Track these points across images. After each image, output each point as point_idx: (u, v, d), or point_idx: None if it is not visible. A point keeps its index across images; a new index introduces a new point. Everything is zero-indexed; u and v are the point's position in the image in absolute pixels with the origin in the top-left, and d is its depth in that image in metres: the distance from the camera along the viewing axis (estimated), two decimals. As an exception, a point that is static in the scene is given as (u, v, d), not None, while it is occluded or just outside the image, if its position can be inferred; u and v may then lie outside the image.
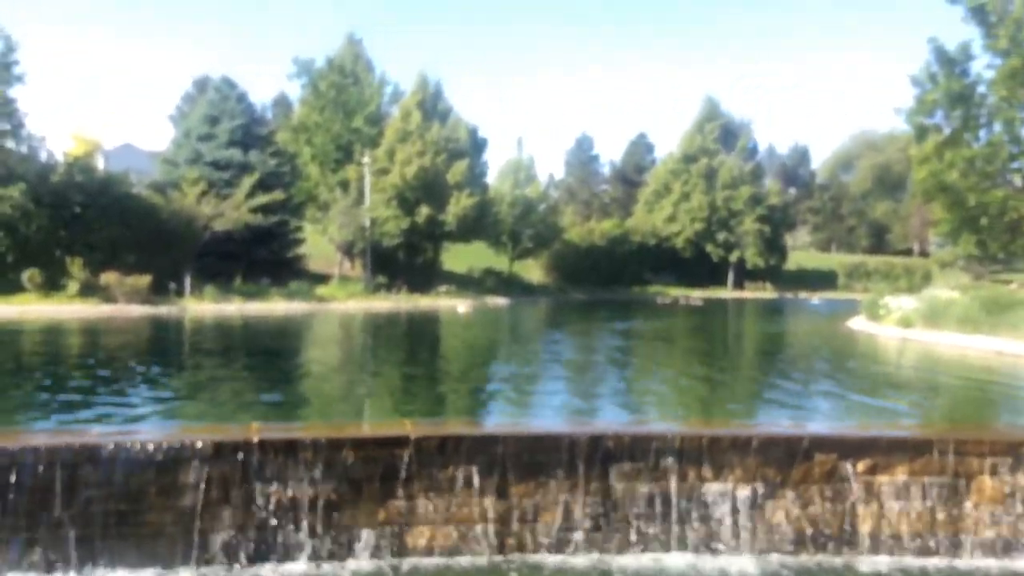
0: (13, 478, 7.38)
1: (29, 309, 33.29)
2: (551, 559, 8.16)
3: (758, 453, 8.49)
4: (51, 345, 21.86)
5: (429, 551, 8.10)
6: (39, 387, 13.50)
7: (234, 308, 37.87)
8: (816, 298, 70.82)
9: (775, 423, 10.69)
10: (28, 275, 36.05)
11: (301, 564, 7.82)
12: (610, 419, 11.11)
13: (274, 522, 7.87)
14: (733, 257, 79.40)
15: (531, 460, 8.31)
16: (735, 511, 8.40)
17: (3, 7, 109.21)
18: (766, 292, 78.29)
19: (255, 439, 7.96)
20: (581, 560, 8.18)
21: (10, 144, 41.48)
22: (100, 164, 51.81)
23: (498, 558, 8.13)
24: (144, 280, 36.97)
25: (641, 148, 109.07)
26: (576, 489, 8.31)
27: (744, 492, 8.43)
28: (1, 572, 7.30)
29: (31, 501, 7.43)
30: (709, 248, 79.72)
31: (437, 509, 8.18)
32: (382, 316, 37.00)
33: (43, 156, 43.12)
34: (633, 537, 8.36)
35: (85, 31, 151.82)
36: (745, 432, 8.81)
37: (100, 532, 7.55)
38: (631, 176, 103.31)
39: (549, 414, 11.32)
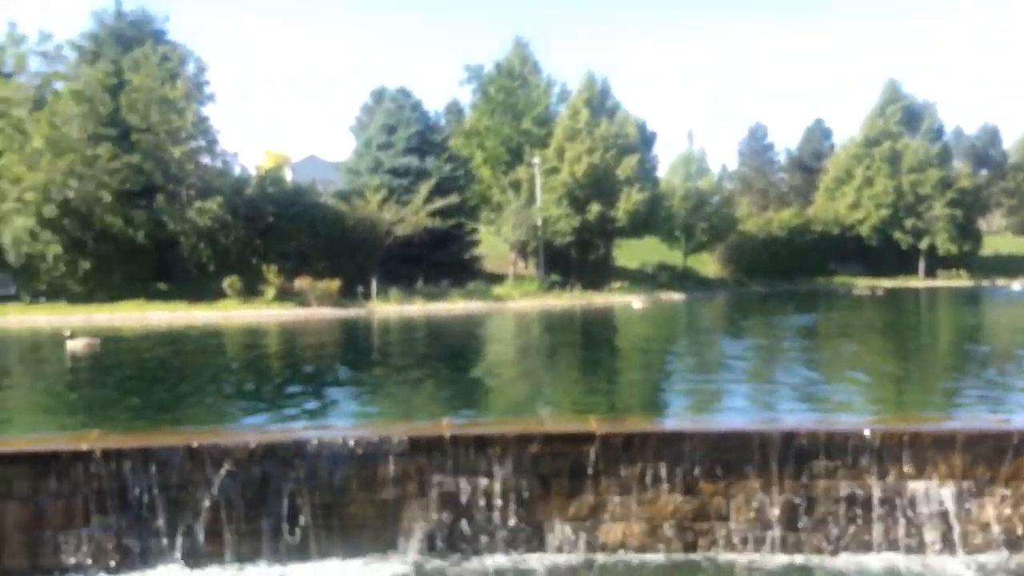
0: (225, 471, 7.91)
1: (231, 314, 35.62)
2: (743, 558, 8.04)
3: (964, 450, 8.05)
4: (254, 347, 23.32)
5: (620, 546, 8.15)
6: (247, 385, 14.42)
7: (417, 308, 39.20)
8: (1017, 284, 65.91)
9: (979, 418, 10.07)
10: (228, 282, 38.59)
11: (495, 557, 8.04)
12: (801, 416, 10.77)
13: (467, 515, 8.11)
14: (923, 244, 74.98)
15: (720, 458, 8.21)
16: (941, 510, 8.00)
17: (189, 30, 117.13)
18: (960, 280, 73.48)
19: (447, 435, 8.24)
20: (776, 560, 8.01)
21: (206, 160, 44.51)
22: (288, 176, 54.77)
23: (689, 555, 8.08)
24: (334, 284, 38.89)
25: (818, 134, 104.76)
26: (769, 487, 8.15)
27: (949, 490, 8.02)
28: (217, 560, 7.83)
29: (243, 494, 7.95)
30: (896, 235, 75.60)
31: (626, 505, 8.22)
32: (557, 314, 37.30)
33: (237, 170, 46.09)
34: (832, 537, 8.11)
35: (266, 50, 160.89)
36: (948, 428, 8.38)
37: (308, 524, 8.00)
38: (809, 163, 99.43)
39: (735, 411, 11.11)
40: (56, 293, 38.53)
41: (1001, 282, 70.75)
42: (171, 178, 41.48)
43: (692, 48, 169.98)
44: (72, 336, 20.89)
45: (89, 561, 7.67)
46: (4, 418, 11.65)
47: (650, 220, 56.60)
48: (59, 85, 45.58)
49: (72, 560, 7.65)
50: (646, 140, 63.06)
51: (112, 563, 7.70)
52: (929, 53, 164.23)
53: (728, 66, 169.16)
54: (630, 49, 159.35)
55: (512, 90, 63.44)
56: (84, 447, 7.79)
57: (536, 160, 54.75)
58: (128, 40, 45.66)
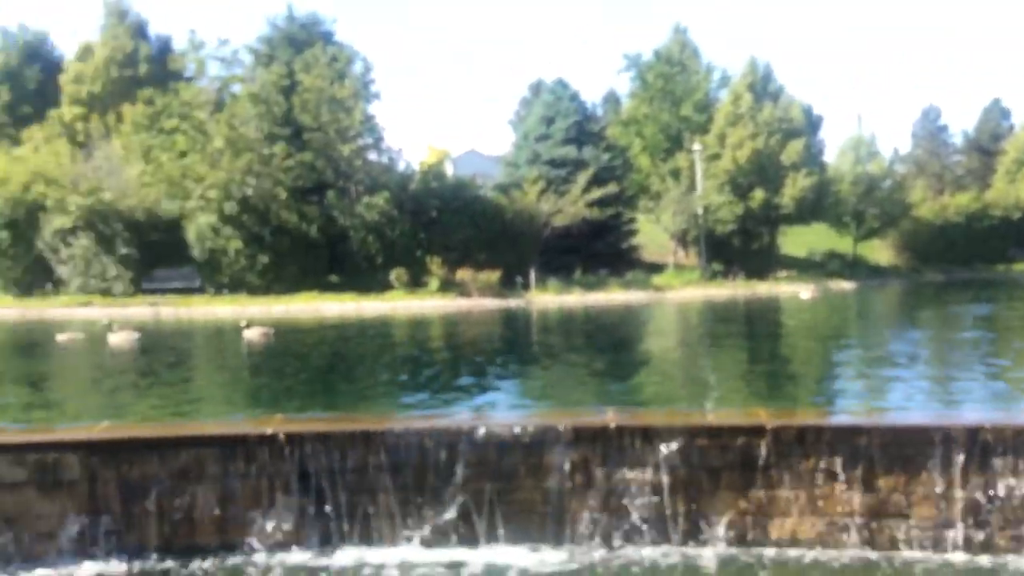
0: (399, 457, 8.18)
1: (397, 305, 36.88)
2: (925, 556, 7.68)
3: None
4: (419, 337, 24.07)
5: (792, 542, 7.95)
6: (413, 374, 14.90)
7: (575, 299, 39.36)
8: None
9: None
10: (395, 274, 39.97)
11: (661, 549, 7.97)
12: (984, 410, 10.16)
13: (633, 506, 8.09)
14: (1116, 230, 68.88)
15: (900, 453, 7.87)
16: None
17: (353, 28, 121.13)
18: None
19: (612, 425, 8.25)
20: (960, 559, 7.63)
21: (373, 156, 46.17)
22: (449, 170, 56.01)
23: (865, 553, 7.80)
24: (494, 275, 39.60)
25: (996, 114, 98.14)
26: (952, 484, 7.75)
27: None
28: (391, 543, 8.11)
29: (415, 479, 8.19)
30: (1086, 220, 69.76)
31: (799, 500, 8.00)
32: (719, 304, 36.58)
33: (401, 166, 47.59)
34: (1019, 537, 7.63)
35: (426, 45, 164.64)
36: None
37: (478, 509, 8.18)
38: (986, 145, 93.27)
39: (912, 405, 10.60)
40: (237, 285, 40.89)
41: None
42: (341, 175, 43.20)
43: (861, 28, 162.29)
44: (248, 326, 22.12)
45: (274, 540, 8.07)
46: (193, 400, 12.50)
47: (817, 206, 54.66)
48: (236, 88, 48.42)
49: (258, 539, 8.08)
50: (812, 124, 60.93)
51: (294, 543, 8.10)
52: None
53: (899, 46, 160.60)
54: (795, 30, 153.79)
55: (671, 77, 62.55)
56: (269, 431, 8.24)
57: (697, 147, 53.78)
58: (299, 42, 47.88)
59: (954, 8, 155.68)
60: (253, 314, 30.97)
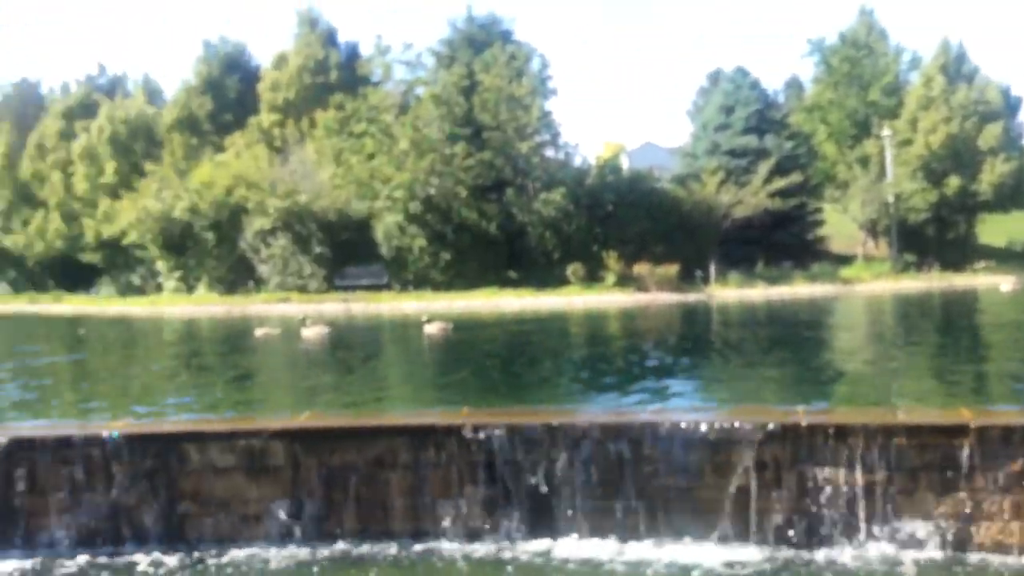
0: (584, 452, 8.24)
1: (574, 299, 37.12)
2: None
3: None
4: (595, 331, 24.19)
5: (996, 548, 7.51)
6: (598, 367, 15.02)
7: (757, 293, 38.38)
8: None
9: None
10: (571, 269, 40.24)
11: (853, 551, 7.71)
12: None
13: (826, 507, 7.86)
14: None
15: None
16: None
17: (529, 24, 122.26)
18: None
19: (803, 423, 8.04)
20: None
21: (549, 153, 46.61)
22: (625, 164, 55.79)
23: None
24: (672, 269, 39.14)
25: None
26: None
27: None
28: (570, 535, 8.18)
29: (598, 473, 8.23)
30: None
31: (1004, 503, 7.54)
32: (912, 297, 34.76)
33: (577, 161, 47.78)
34: None
35: (603, 39, 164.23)
36: None
37: (663, 506, 8.15)
38: None
39: None
40: (421, 282, 42.38)
41: None
42: (519, 172, 43.90)
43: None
44: (429, 321, 22.91)
45: (462, 528, 8.32)
46: (378, 390, 13.11)
47: (1018, 192, 50.94)
48: (420, 90, 50.03)
49: (447, 526, 8.33)
50: (1011, 106, 56.85)
51: (480, 532, 8.31)
52: None
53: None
54: (990, 8, 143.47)
55: (857, 60, 59.86)
56: (457, 422, 8.53)
57: (886, 132, 51.18)
58: (479, 43, 48.94)
59: None
60: (436, 309, 32.03)
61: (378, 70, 54.77)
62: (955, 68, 54.53)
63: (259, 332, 24.18)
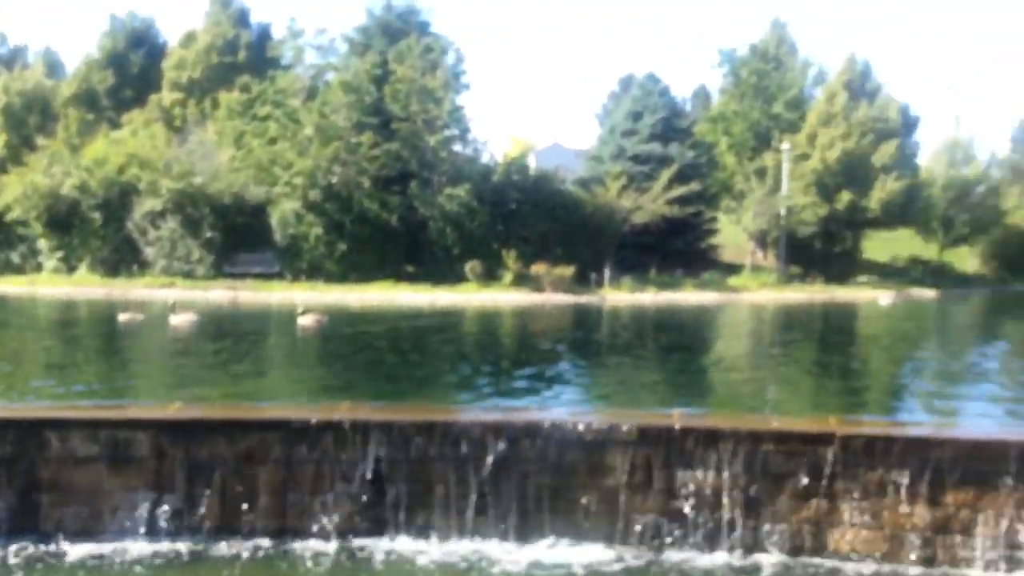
0: (464, 449, 8.22)
1: (471, 297, 37.05)
2: (990, 576, 7.45)
3: None
4: (491, 329, 24.19)
5: (850, 554, 7.79)
6: (482, 366, 15.00)
7: (649, 297, 39.03)
8: None
9: None
10: (470, 266, 40.14)
11: (717, 555, 7.89)
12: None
13: (692, 510, 8.01)
14: None
15: (971, 468, 7.64)
16: None
17: (444, 18, 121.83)
18: None
19: (677, 426, 8.18)
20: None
21: (458, 147, 46.40)
22: (532, 163, 56.07)
23: (927, 570, 7.60)
24: (569, 271, 39.46)
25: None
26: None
27: None
28: (447, 535, 8.15)
29: (476, 472, 8.20)
30: None
31: (862, 512, 7.83)
32: (795, 307, 35.92)
33: (485, 158, 47.72)
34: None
35: (514, 37, 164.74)
36: None
37: (535, 505, 8.19)
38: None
39: (983, 419, 10.29)
40: (315, 272, 41.63)
41: None
42: (425, 165, 43.55)
43: (966, 25, 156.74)
44: (303, 313, 22.53)
45: (330, 526, 8.17)
46: (231, 382, 12.77)
47: (906, 210, 53.02)
48: (330, 76, 49.21)
49: (315, 524, 8.18)
50: (908, 125, 59.10)
51: (351, 530, 8.19)
52: None
53: (1007, 45, 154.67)
54: (896, 26, 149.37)
55: (765, 73, 61.42)
56: (336, 417, 8.38)
57: (785, 145, 52.73)
58: (395, 32, 48.36)
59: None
60: (328, 301, 31.53)
61: (289, 53, 53.69)
62: (859, 84, 56.29)
63: (123, 317, 22.87)
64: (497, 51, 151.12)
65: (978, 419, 10.31)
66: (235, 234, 42.51)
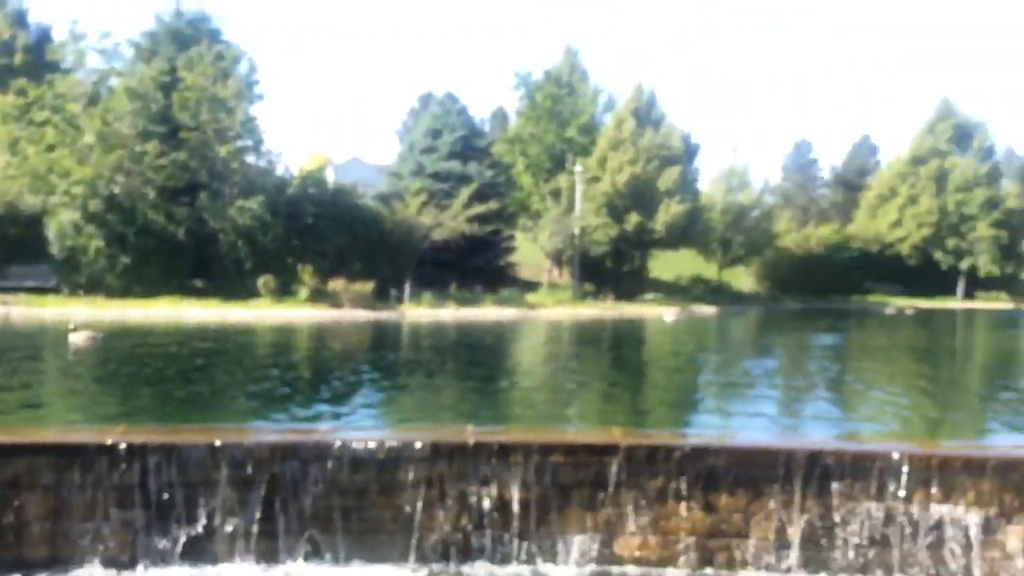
0: (249, 471, 7.94)
1: (265, 313, 35.88)
2: (761, 576, 7.95)
3: (995, 475, 7.89)
4: (284, 347, 23.50)
5: (636, 561, 8.09)
6: (271, 385, 14.52)
7: (449, 314, 39.25)
8: (1060, 308, 64.51)
9: (1013, 443, 9.87)
10: (263, 281, 38.85)
11: (510, 567, 8.01)
12: (827, 435, 10.66)
13: (487, 523, 8.09)
14: (964, 265, 73.67)
15: (744, 474, 8.13)
16: (966, 537, 7.85)
17: (242, 29, 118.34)
18: (1000, 302, 72.25)
19: (470, 441, 8.23)
20: (795, 579, 7.91)
21: (251, 159, 44.90)
22: (330, 177, 55.19)
23: (705, 572, 8.01)
24: (368, 287, 39.00)
25: (864, 151, 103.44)
26: (791, 506, 8.04)
27: (976, 517, 7.86)
28: (232, 560, 7.85)
29: (264, 494, 7.95)
30: (937, 255, 74.37)
31: (644, 519, 8.15)
32: (588, 323, 37.22)
33: (280, 170, 46.41)
34: (852, 558, 7.99)
35: (316, 51, 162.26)
36: (980, 453, 8.23)
37: (325, 527, 8.02)
38: (853, 180, 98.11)
39: (756, 427, 11.00)
40: (95, 287, 39.02)
41: (1044, 305, 69.32)
42: (216, 176, 41.86)
43: (741, 61, 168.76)
44: (75, 329, 21.15)
45: (105, 556, 7.71)
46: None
47: (688, 232, 56.27)
48: (114, 82, 46.41)
49: (89, 554, 7.70)
50: (689, 152, 62.74)
51: (127, 558, 7.74)
52: (985, 72, 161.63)
53: (777, 80, 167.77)
54: (680, 60, 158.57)
55: (559, 98, 63.61)
56: (109, 441, 7.86)
57: (578, 168, 54.70)
58: (185, 39, 46.36)
59: (831, 47, 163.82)
60: (108, 317, 29.70)
61: (70, 57, 50.19)
62: (646, 112, 59.17)
63: None
64: (296, 64, 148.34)
65: (751, 428, 10.97)
66: (7, 245, 39.16)
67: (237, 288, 38.99)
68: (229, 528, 7.88)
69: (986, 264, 72.69)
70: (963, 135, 77.63)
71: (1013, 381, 18.62)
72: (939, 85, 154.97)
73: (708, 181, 66.58)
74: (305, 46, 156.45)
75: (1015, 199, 75.81)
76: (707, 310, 51.33)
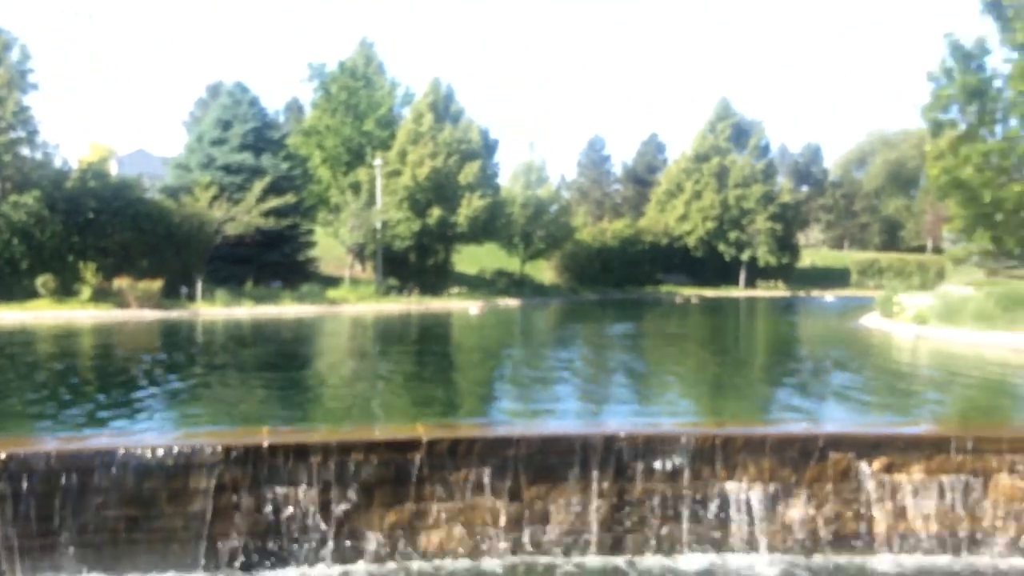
0: (25, 484, 7.36)
1: (44, 314, 33.40)
2: (564, 561, 8.11)
3: (772, 453, 8.42)
4: (63, 350, 21.92)
5: (441, 553, 8.06)
6: (49, 391, 13.50)
7: (245, 311, 37.92)
8: (829, 296, 70.41)
9: (790, 423, 10.59)
10: (42, 281, 36.19)
11: (313, 569, 7.79)
12: (622, 420, 11.05)
13: (285, 527, 7.84)
14: (745, 256, 79.08)
15: (544, 462, 8.26)
16: (749, 511, 8.33)
17: (11, 11, 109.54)
18: (778, 290, 78.01)
19: (265, 444, 7.93)
20: (594, 561, 8.12)
21: (25, 151, 41.63)
22: (114, 170, 52.02)
23: (511, 559, 8.09)
24: (156, 284, 37.03)
25: (653, 148, 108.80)
26: (589, 490, 8.25)
27: (758, 492, 8.36)
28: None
29: (42, 506, 7.41)
30: (721, 247, 79.44)
31: (449, 511, 8.14)
32: (393, 318, 36.99)
33: (57, 163, 43.27)
34: (648, 538, 8.29)
35: (98, 38, 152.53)
36: (759, 432, 8.74)
37: (110, 538, 7.53)
38: (643, 176, 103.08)
39: (559, 415, 11.24)
40: None
41: (815, 293, 75.45)
42: (-15, 169, 38.54)
43: (537, 59, 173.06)
44: None
45: None
46: None
47: (490, 226, 57.02)
48: None
49: None
50: (489, 147, 63.56)
51: None
52: (762, 72, 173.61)
53: (570, 78, 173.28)
54: (477, 56, 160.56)
55: (355, 90, 62.78)
56: None
57: (378, 162, 54.20)
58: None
59: (621, 47, 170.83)
60: None
61: None
62: (444, 107, 59.31)
63: None
64: (76, 52, 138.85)
65: (550, 416, 11.19)
66: None
67: (13, 288, 36.13)
68: (5, 544, 7.25)
69: (764, 255, 78.22)
70: (741, 133, 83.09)
71: (792, 364, 20.04)
72: (717, 81, 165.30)
73: (508, 176, 67.84)
74: (87, 32, 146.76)
75: (788, 194, 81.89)
76: (511, 303, 52.29)
